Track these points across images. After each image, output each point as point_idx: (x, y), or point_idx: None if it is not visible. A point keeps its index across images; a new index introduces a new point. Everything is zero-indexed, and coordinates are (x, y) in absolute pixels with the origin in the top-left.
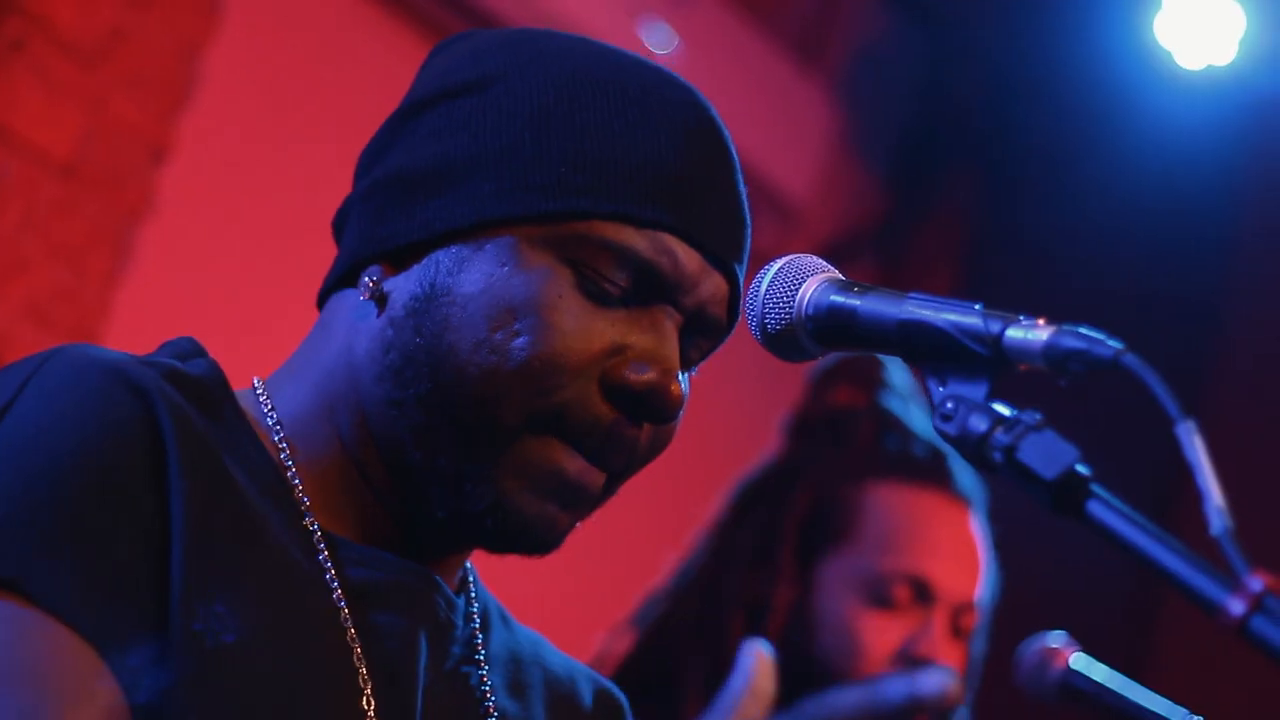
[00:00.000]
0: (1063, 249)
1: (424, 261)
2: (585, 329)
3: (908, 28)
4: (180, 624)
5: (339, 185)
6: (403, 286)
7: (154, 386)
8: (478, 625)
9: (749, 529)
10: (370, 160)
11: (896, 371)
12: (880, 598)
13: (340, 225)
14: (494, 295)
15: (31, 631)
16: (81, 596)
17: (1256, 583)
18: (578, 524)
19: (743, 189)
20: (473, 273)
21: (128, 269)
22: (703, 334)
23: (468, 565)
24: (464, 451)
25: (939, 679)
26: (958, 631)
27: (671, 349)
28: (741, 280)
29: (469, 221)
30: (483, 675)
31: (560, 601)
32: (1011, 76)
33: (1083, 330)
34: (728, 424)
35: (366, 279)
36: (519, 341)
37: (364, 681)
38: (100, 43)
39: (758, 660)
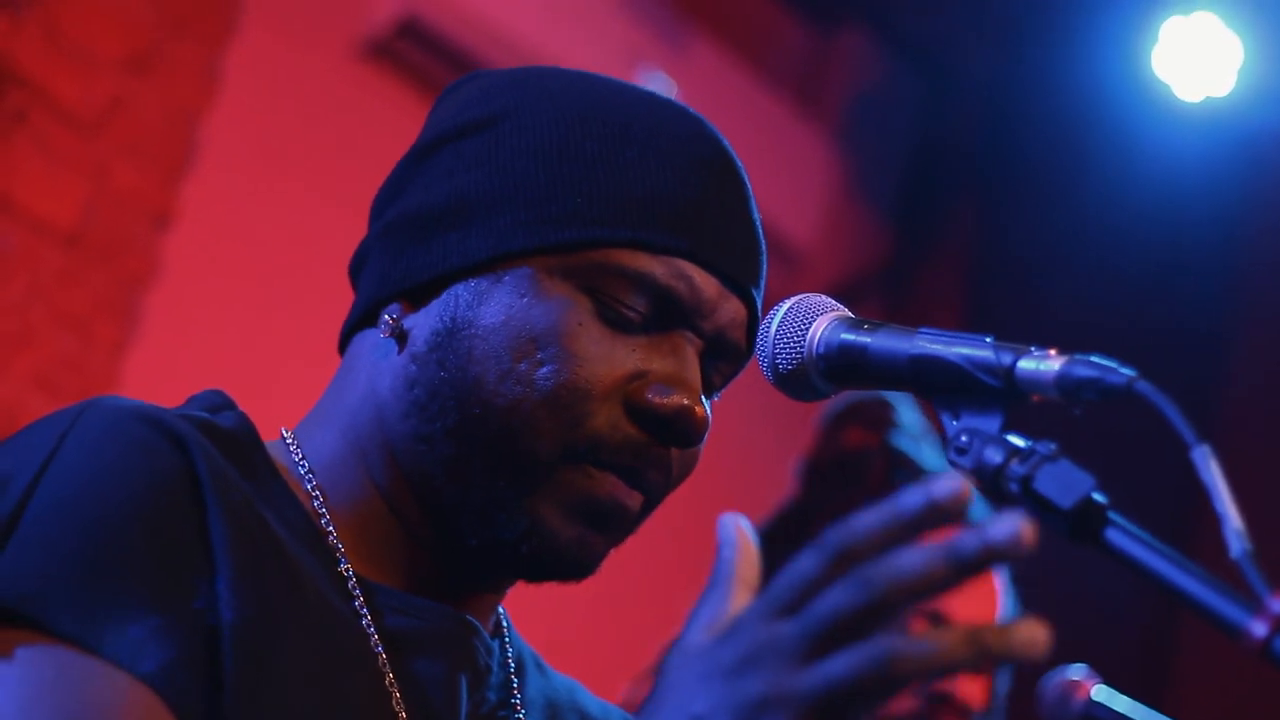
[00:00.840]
0: (1067, 281)
1: (443, 297)
2: (607, 355)
3: (904, 68)
4: (235, 672)
5: (341, 242)
6: (423, 323)
7: (191, 436)
8: (513, 670)
9: (767, 575)
10: (384, 202)
11: (906, 412)
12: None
13: (357, 269)
14: (515, 326)
15: (105, 685)
16: (145, 649)
17: (1278, 604)
18: (612, 548)
19: (756, 215)
20: (493, 305)
21: (134, 336)
22: (723, 359)
23: (501, 610)
24: (497, 482)
25: (945, 482)
26: None
27: (693, 373)
28: (759, 305)
29: (486, 255)
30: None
31: (582, 650)
32: (1010, 112)
33: (1094, 359)
34: (746, 469)
35: (386, 316)
36: (543, 371)
37: None
38: (100, 112)
39: (739, 540)
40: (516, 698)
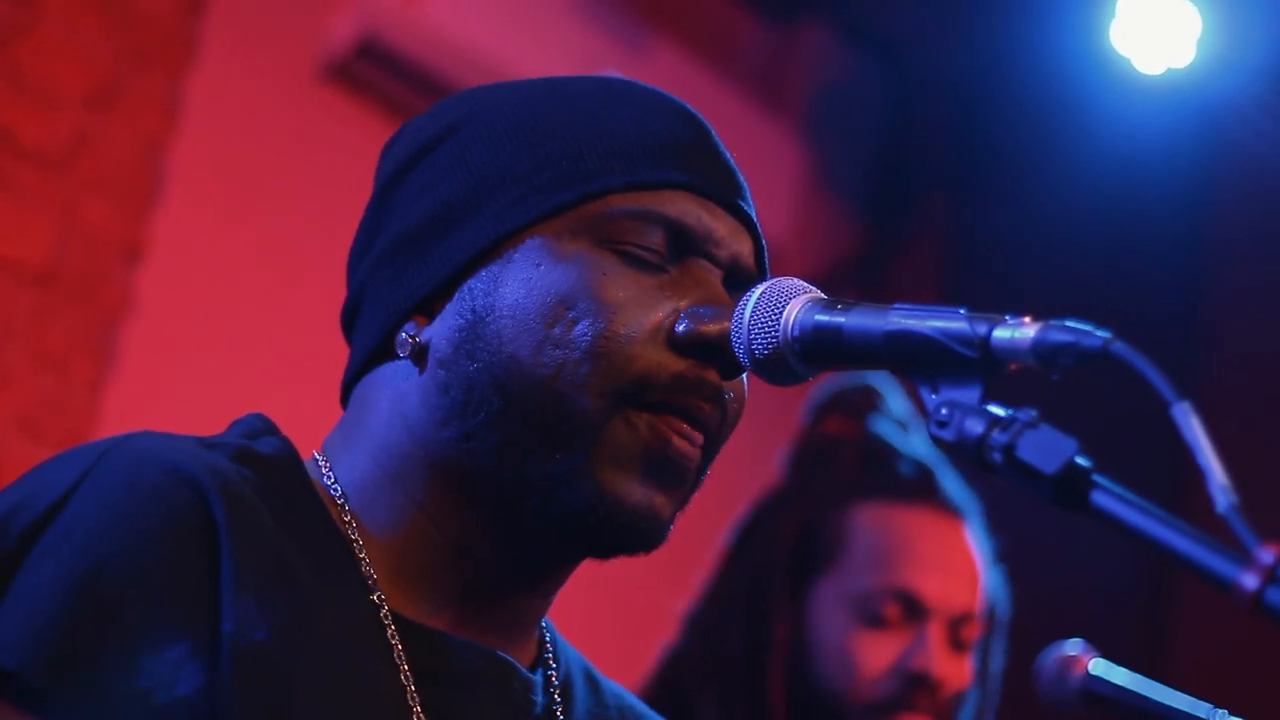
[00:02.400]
0: (1039, 265)
1: (455, 298)
2: (638, 298)
3: (866, 60)
4: (212, 629)
5: (313, 267)
6: (440, 330)
7: (211, 481)
8: (558, 694)
9: (746, 564)
10: (361, 250)
11: (892, 399)
12: (871, 616)
13: (350, 320)
14: (539, 294)
15: None
16: (132, 707)
17: (1268, 555)
18: (679, 510)
19: (729, 156)
20: (510, 284)
21: (112, 372)
22: (744, 287)
23: (545, 624)
24: (553, 455)
25: None
26: (958, 644)
27: (725, 296)
28: (762, 237)
29: (489, 240)
30: None
31: (580, 647)
32: (975, 98)
33: (1069, 323)
34: (737, 462)
35: (404, 336)
36: (579, 328)
37: None
38: (65, 149)
39: None
40: None
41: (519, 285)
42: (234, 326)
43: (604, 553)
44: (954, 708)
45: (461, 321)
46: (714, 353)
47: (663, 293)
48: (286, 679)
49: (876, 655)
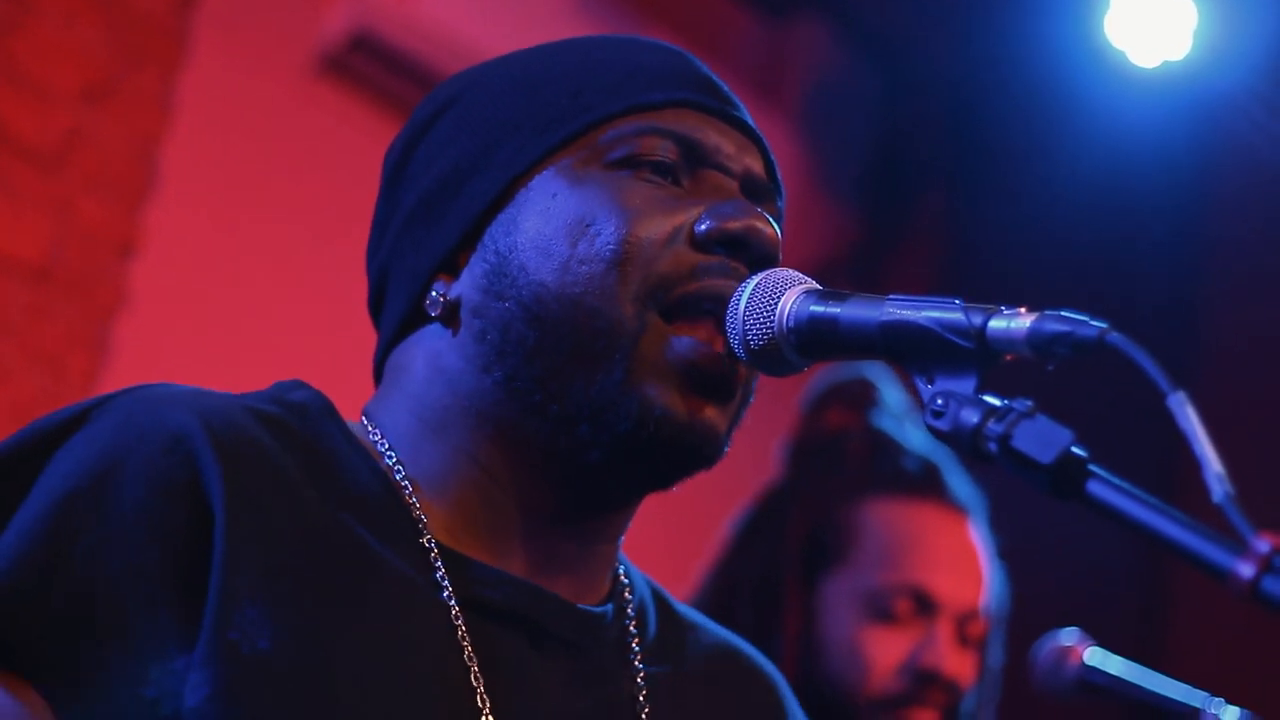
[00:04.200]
0: (1035, 260)
1: (478, 248)
2: (658, 206)
3: (861, 55)
4: (217, 638)
5: (308, 261)
6: (468, 280)
7: (204, 439)
8: (633, 626)
9: (753, 559)
10: (379, 235)
11: (888, 390)
12: (882, 612)
13: (377, 302)
14: (558, 219)
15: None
16: (58, 661)
17: (1263, 544)
18: (734, 423)
19: (725, 85)
20: (529, 218)
21: (108, 368)
22: (760, 199)
23: (621, 559)
24: (593, 374)
25: None
26: (965, 640)
27: (742, 196)
28: (770, 153)
29: (502, 185)
30: (637, 681)
31: None
32: (970, 93)
33: (1065, 313)
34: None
35: (434, 295)
36: (602, 237)
37: (483, 701)
38: (59, 146)
39: None
40: (635, 650)
41: (538, 216)
42: (229, 322)
43: (663, 475)
44: (960, 703)
45: (487, 266)
46: (740, 247)
47: (682, 202)
48: (295, 617)
49: (887, 651)
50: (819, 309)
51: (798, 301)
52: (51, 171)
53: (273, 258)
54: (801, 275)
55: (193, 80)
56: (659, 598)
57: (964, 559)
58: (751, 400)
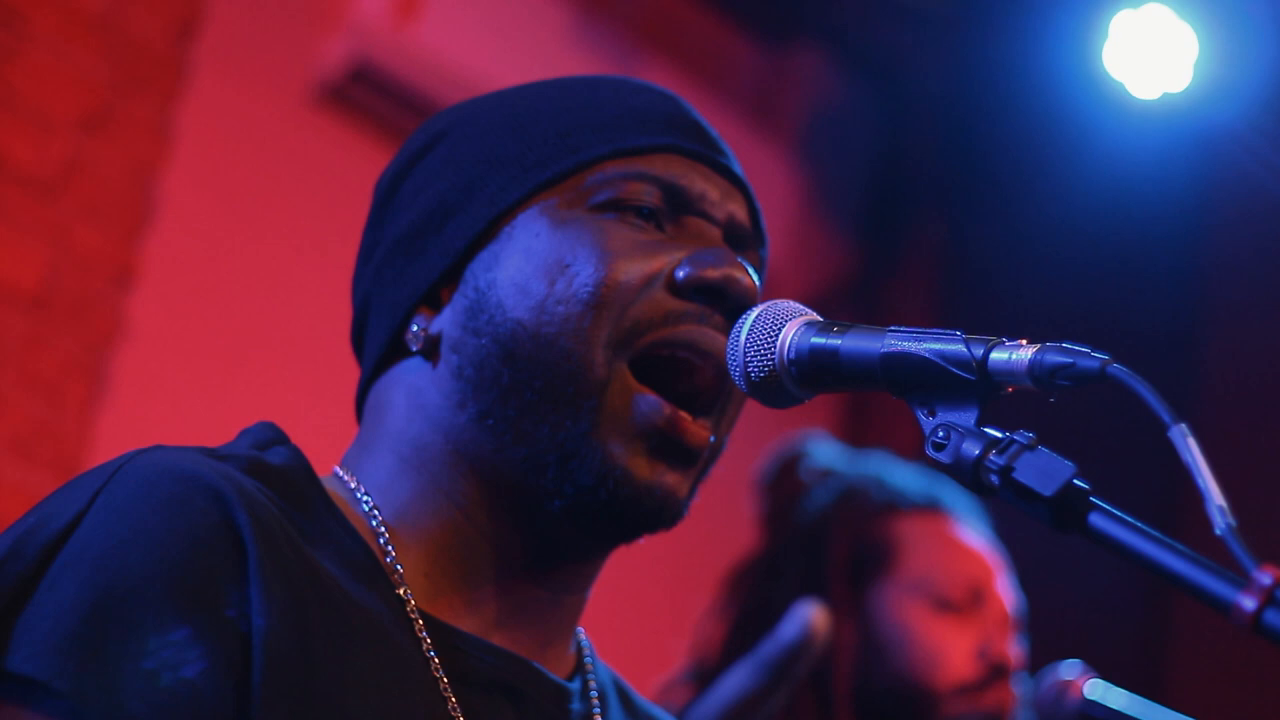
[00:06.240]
0: (1035, 288)
1: (460, 283)
2: (638, 249)
3: (859, 82)
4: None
5: (304, 290)
6: (449, 316)
7: (229, 488)
8: (596, 706)
9: (787, 589)
10: (362, 264)
11: (818, 448)
12: (944, 602)
13: (359, 334)
14: (539, 258)
15: None
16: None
17: (1266, 577)
18: (695, 486)
19: (713, 130)
20: (511, 256)
21: (104, 397)
22: (743, 248)
23: (583, 640)
24: (561, 419)
25: (799, 618)
26: (1014, 629)
27: (724, 244)
28: (755, 200)
29: (486, 221)
30: None
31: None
32: (969, 121)
33: (1067, 345)
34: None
35: (414, 330)
36: (579, 280)
37: None
38: (57, 174)
39: (814, 618)
40: None
41: (519, 255)
42: (225, 350)
43: (622, 531)
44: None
45: (467, 301)
46: (717, 296)
47: (662, 247)
48: (320, 684)
49: (956, 640)
50: (820, 341)
51: (798, 333)
52: (49, 199)
53: (270, 287)
54: (803, 307)
55: (191, 109)
56: (619, 687)
57: (992, 557)
58: (718, 457)
